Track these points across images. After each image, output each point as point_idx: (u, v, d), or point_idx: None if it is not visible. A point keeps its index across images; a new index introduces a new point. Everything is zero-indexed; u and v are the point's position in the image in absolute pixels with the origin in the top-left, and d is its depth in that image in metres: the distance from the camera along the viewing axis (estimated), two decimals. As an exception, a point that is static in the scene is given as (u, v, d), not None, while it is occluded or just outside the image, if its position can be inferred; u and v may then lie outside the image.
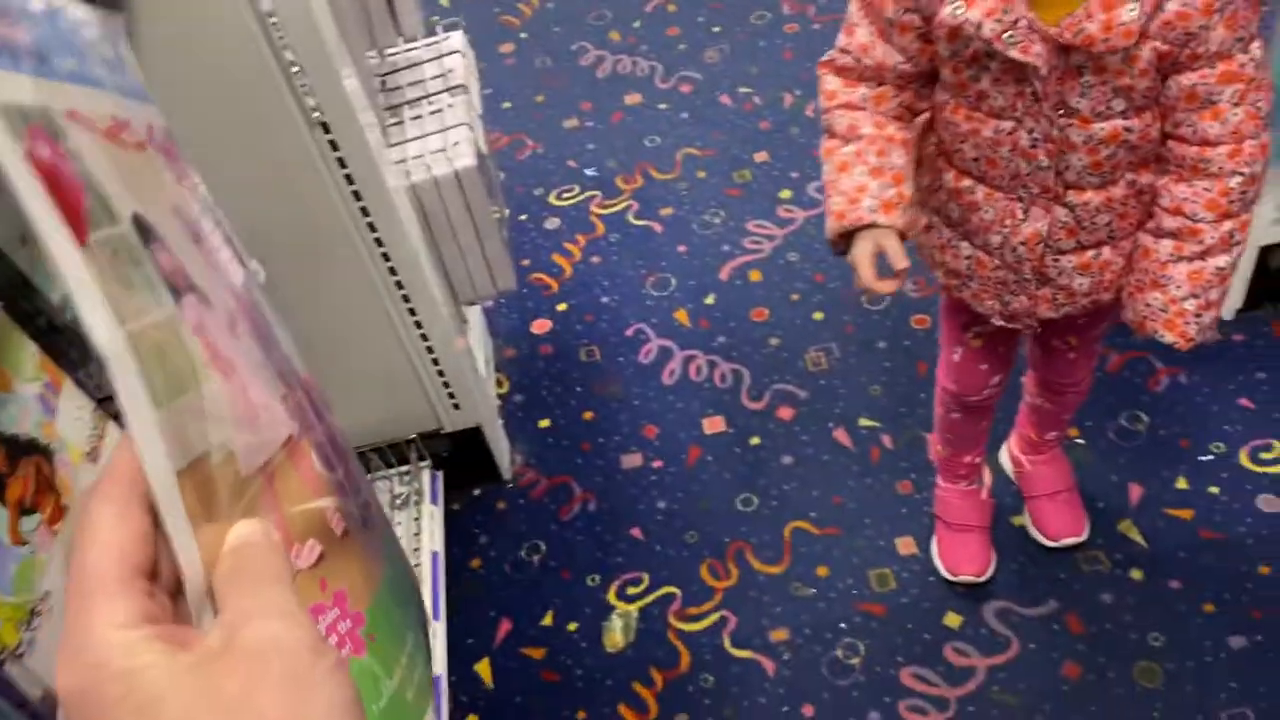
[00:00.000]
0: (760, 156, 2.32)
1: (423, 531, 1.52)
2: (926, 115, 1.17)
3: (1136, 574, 1.57)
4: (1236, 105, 0.98)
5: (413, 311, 1.46)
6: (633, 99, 2.53)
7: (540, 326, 2.10)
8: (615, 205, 2.29)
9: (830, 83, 1.13)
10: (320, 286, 1.41)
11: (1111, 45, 0.93)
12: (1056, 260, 1.14)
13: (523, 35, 2.78)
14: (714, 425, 1.87)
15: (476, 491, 1.84)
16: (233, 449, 0.36)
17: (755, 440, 1.83)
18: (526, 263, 2.21)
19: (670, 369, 1.97)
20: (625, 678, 1.58)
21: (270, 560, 0.33)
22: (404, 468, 1.63)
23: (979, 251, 1.18)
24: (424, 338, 1.50)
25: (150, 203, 0.38)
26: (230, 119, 1.21)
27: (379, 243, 1.37)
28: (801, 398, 1.88)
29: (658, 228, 2.23)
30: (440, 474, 1.72)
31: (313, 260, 1.37)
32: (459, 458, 1.74)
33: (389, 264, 1.40)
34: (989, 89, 1.04)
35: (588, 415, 1.93)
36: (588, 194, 2.33)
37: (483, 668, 1.63)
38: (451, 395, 1.62)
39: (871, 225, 1.07)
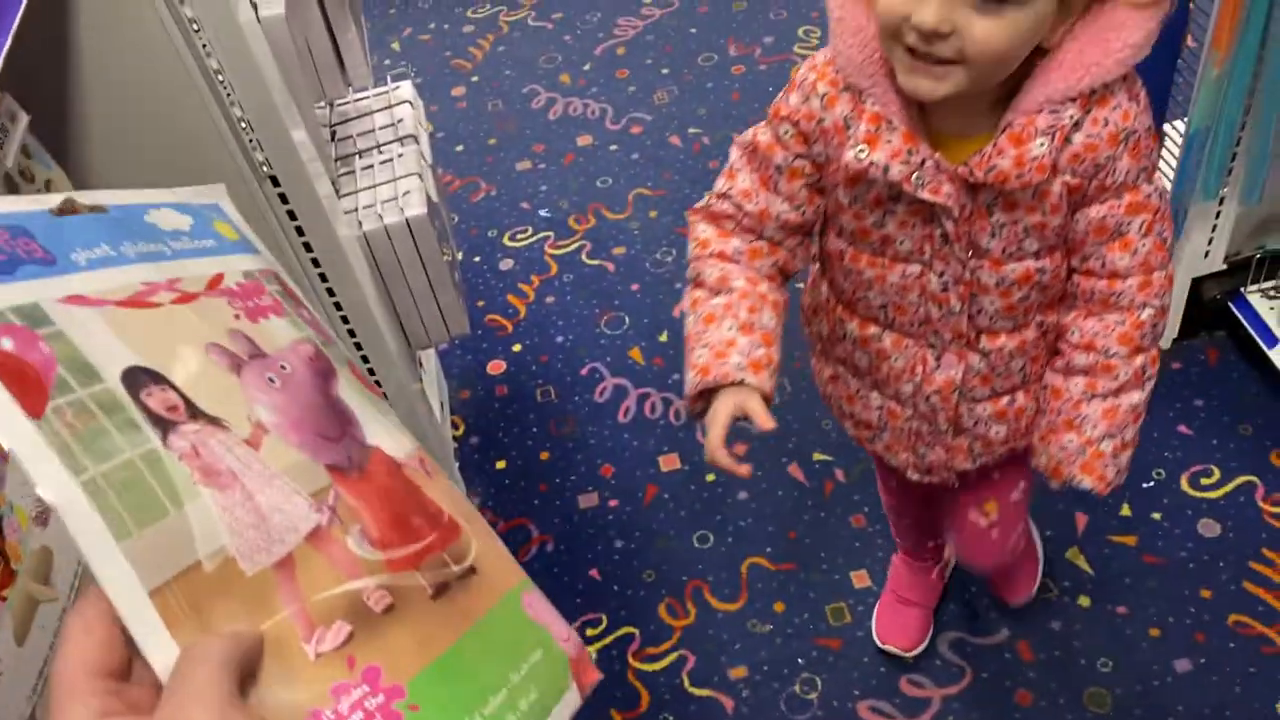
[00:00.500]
0: (710, 195, 2.36)
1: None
2: (816, 266, 1.12)
3: (1084, 601, 1.61)
4: (1144, 236, 0.96)
5: (365, 359, 1.46)
6: (584, 140, 2.56)
7: (495, 367, 2.11)
8: (568, 245, 2.32)
9: (703, 231, 1.05)
10: (272, 336, 1.41)
11: (1025, 181, 0.90)
12: (972, 408, 1.11)
13: (474, 79, 2.81)
14: (670, 463, 1.89)
15: (434, 535, 1.83)
16: (230, 554, 0.41)
17: (710, 477, 1.85)
18: (481, 304, 2.23)
19: (625, 407, 1.99)
20: None
21: (199, 650, 0.38)
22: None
23: (890, 401, 1.14)
24: (378, 384, 1.51)
25: (168, 350, 0.46)
26: (181, 175, 1.22)
27: (331, 292, 1.38)
28: (755, 433, 1.89)
29: (610, 267, 2.26)
30: (397, 519, 1.71)
31: (264, 310, 1.38)
32: (415, 502, 1.74)
33: (341, 313, 1.40)
34: (895, 233, 0.99)
35: (544, 456, 1.94)
36: (541, 235, 2.35)
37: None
38: (406, 440, 1.62)
39: (737, 384, 0.96)
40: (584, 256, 2.29)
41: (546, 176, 2.49)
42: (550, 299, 2.22)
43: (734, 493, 1.82)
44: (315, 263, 1.35)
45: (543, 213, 2.40)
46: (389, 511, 0.51)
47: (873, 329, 1.09)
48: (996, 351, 1.05)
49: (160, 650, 0.38)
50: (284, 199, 1.28)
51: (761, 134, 1.01)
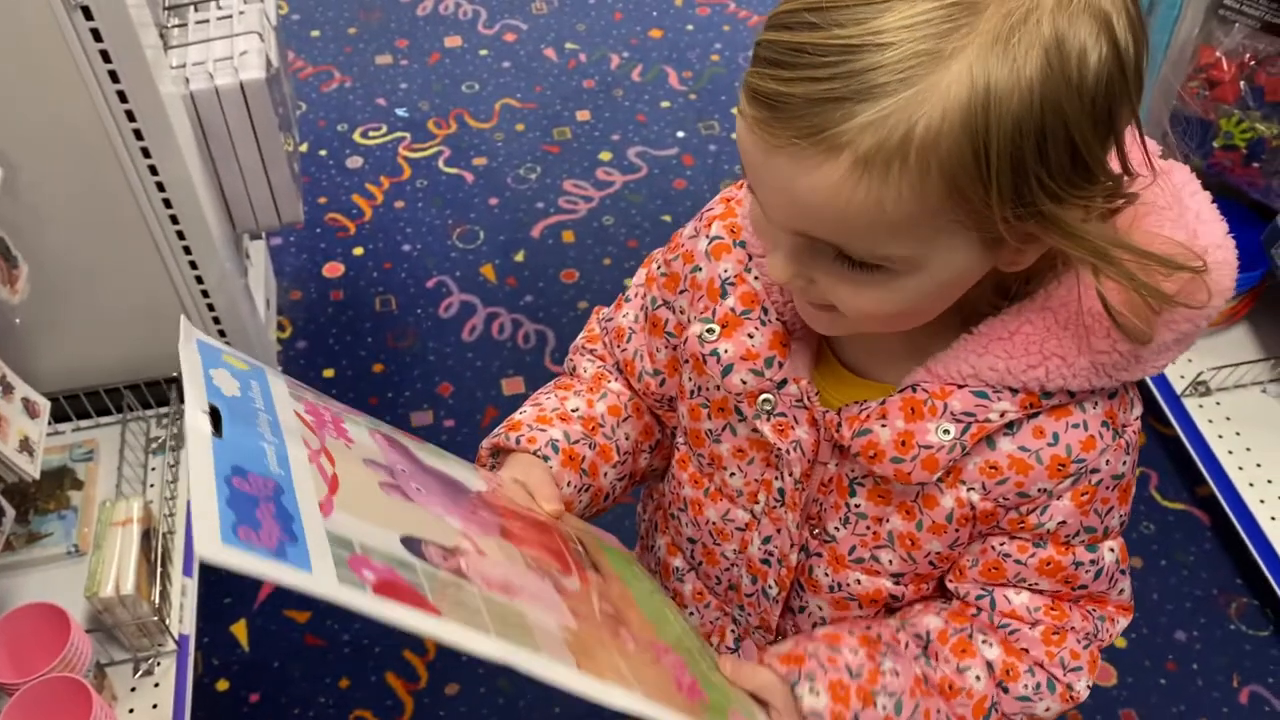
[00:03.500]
0: (582, 115, 2.25)
1: (179, 479, 1.38)
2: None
3: None
4: (1054, 603, 0.66)
5: (181, 235, 1.30)
6: (453, 41, 2.40)
7: (332, 270, 1.96)
8: (425, 149, 2.17)
9: (584, 366, 0.81)
10: (74, 201, 1.24)
11: (903, 472, 0.59)
12: None
13: (339, -41, 2.59)
14: (513, 386, 1.80)
15: (248, 441, 1.69)
16: (563, 623, 0.52)
17: (553, 405, 1.77)
18: (323, 201, 2.06)
19: (472, 325, 1.88)
20: (396, 645, 1.49)
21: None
22: (163, 409, 1.47)
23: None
24: (193, 265, 1.35)
25: (380, 511, 0.51)
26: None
27: (146, 153, 1.22)
28: (604, 364, 1.83)
29: (469, 178, 2.13)
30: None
31: (66, 170, 1.20)
32: (230, 403, 1.59)
33: (156, 178, 1.24)
34: (728, 459, 0.69)
35: (377, 368, 1.82)
36: (396, 135, 2.20)
37: (239, 629, 1.50)
38: (223, 333, 1.47)
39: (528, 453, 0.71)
40: (441, 163, 2.15)
41: (408, 75, 2.32)
42: (400, 204, 2.07)
43: (576, 423, 1.75)
44: (130, 116, 1.18)
45: (400, 111, 2.24)
46: (541, 546, 0.59)
47: (678, 561, 0.79)
48: None
49: (607, 694, 0.49)
50: (97, 36, 1.11)
51: (655, 261, 0.74)
